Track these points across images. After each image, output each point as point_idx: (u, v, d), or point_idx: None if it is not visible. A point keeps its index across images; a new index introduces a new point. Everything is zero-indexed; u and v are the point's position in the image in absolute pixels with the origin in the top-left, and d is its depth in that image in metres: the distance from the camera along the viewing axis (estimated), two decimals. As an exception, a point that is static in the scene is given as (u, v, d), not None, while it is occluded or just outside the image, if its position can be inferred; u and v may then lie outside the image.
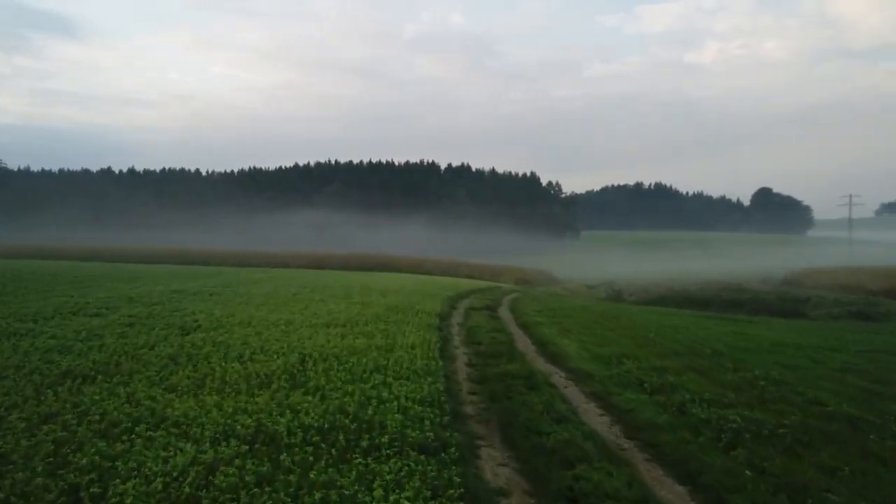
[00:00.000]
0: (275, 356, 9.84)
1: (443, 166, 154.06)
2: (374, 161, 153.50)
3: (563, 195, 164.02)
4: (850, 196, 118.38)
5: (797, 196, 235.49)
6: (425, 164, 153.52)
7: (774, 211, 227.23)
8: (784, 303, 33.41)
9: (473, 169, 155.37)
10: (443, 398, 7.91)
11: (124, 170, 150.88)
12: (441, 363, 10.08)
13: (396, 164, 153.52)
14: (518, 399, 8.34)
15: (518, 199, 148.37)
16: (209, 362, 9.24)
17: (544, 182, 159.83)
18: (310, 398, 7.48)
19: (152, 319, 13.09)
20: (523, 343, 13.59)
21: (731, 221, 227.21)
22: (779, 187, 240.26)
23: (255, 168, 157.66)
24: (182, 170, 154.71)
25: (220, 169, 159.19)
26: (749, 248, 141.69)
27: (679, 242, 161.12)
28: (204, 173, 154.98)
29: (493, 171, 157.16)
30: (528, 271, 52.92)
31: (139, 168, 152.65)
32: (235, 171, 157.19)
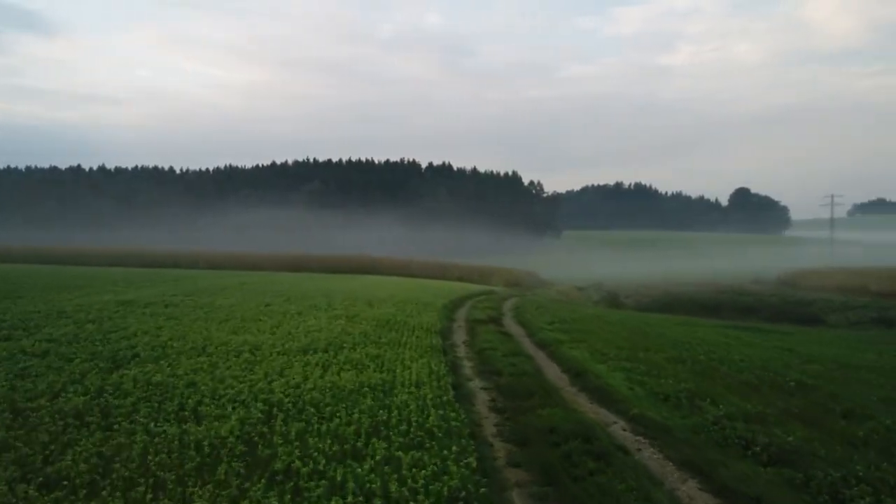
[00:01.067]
0: (230, 407, 7.00)
1: (424, 165, 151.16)
2: (353, 159, 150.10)
3: (544, 194, 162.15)
4: (832, 196, 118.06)
5: (774, 196, 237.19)
6: (406, 162, 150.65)
7: (752, 211, 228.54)
8: (791, 306, 31.30)
9: (455, 168, 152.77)
10: (481, 488, 5.15)
11: (94, 168, 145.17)
12: (461, 414, 7.29)
13: (377, 162, 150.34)
14: (589, 482, 5.61)
15: (500, 198, 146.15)
16: (130, 422, 6.36)
17: (526, 181, 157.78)
18: None
19: (77, 345, 10.10)
20: (552, 372, 10.88)
21: (710, 221, 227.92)
22: (756, 187, 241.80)
23: (230, 166, 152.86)
24: (155, 168, 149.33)
25: (194, 167, 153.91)
26: (730, 247, 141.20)
27: (660, 242, 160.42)
28: (178, 171, 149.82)
29: (474, 171, 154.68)
30: (517, 273, 50.31)
31: (110, 166, 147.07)
32: (210, 169, 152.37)
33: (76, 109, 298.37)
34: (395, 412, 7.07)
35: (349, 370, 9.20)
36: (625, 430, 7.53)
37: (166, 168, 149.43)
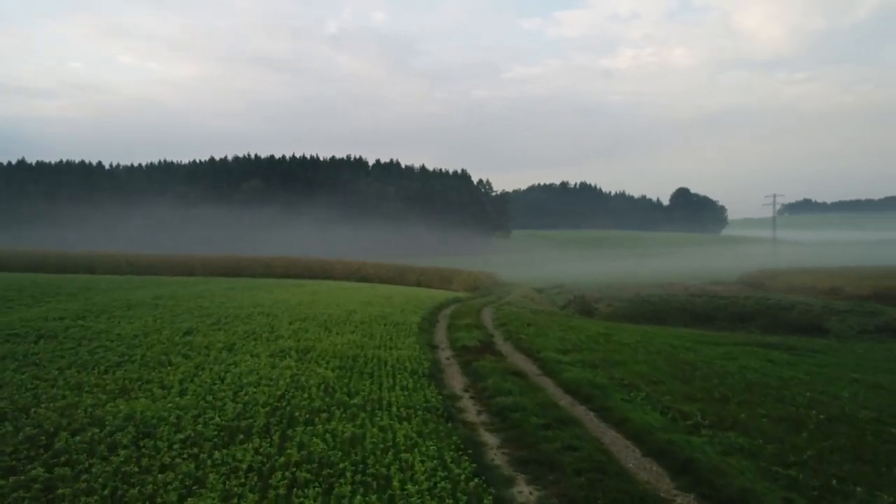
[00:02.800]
0: None
1: (371, 162, 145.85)
2: (297, 156, 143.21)
3: (493, 193, 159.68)
4: (774, 196, 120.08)
5: (712, 196, 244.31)
6: (353, 159, 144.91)
7: (692, 210, 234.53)
8: (787, 314, 28.84)
9: (403, 165, 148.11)
10: None
11: (13, 161, 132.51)
12: None
13: (322, 159, 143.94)
14: None
15: (449, 196, 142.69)
16: None
17: (475, 180, 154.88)
18: None
19: None
20: (628, 456, 7.01)
21: (653, 220, 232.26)
22: (695, 188, 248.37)
23: (165, 162, 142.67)
24: (81, 162, 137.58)
25: (126, 163, 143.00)
26: (678, 247, 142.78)
27: (608, 241, 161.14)
28: (107, 167, 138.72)
29: (423, 168, 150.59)
30: (477, 275, 46.64)
31: (31, 160, 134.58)
32: (143, 164, 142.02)
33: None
34: None
35: (308, 485, 5.16)
36: None
37: (94, 163, 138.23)
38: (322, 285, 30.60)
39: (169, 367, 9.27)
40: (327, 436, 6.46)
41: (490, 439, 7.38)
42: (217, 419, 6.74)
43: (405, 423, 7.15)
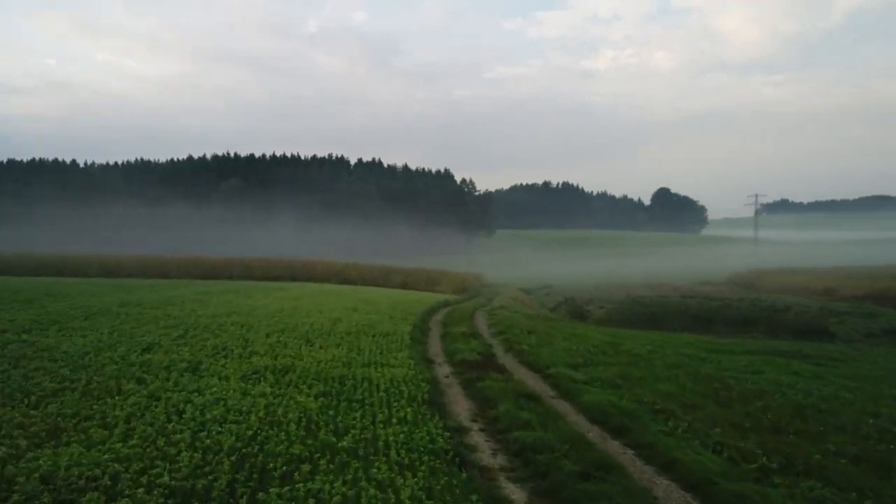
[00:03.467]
0: None
1: (353, 161, 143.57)
2: (278, 155, 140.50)
3: (476, 193, 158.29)
4: (756, 196, 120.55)
5: (693, 196, 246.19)
6: (334, 158, 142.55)
7: (673, 210, 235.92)
8: (785, 315, 27.81)
9: (385, 164, 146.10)
10: None
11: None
12: None
13: (303, 158, 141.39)
14: None
15: (432, 196, 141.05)
16: None
17: (458, 179, 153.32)
18: None
19: None
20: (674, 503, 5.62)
21: (635, 220, 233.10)
22: (676, 188, 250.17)
23: (142, 160, 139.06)
24: (55, 161, 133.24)
25: (101, 161, 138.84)
26: (659, 246, 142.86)
27: (591, 240, 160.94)
28: (82, 165, 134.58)
29: (405, 167, 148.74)
30: (464, 276, 45.18)
31: (2, 157, 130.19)
32: (119, 163, 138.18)
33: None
34: None
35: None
36: None
37: (68, 161, 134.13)
38: (304, 289, 28.91)
39: (117, 398, 7.65)
40: (311, 501, 4.94)
41: (515, 494, 5.89)
42: (166, 478, 5.17)
43: (409, 476, 5.66)
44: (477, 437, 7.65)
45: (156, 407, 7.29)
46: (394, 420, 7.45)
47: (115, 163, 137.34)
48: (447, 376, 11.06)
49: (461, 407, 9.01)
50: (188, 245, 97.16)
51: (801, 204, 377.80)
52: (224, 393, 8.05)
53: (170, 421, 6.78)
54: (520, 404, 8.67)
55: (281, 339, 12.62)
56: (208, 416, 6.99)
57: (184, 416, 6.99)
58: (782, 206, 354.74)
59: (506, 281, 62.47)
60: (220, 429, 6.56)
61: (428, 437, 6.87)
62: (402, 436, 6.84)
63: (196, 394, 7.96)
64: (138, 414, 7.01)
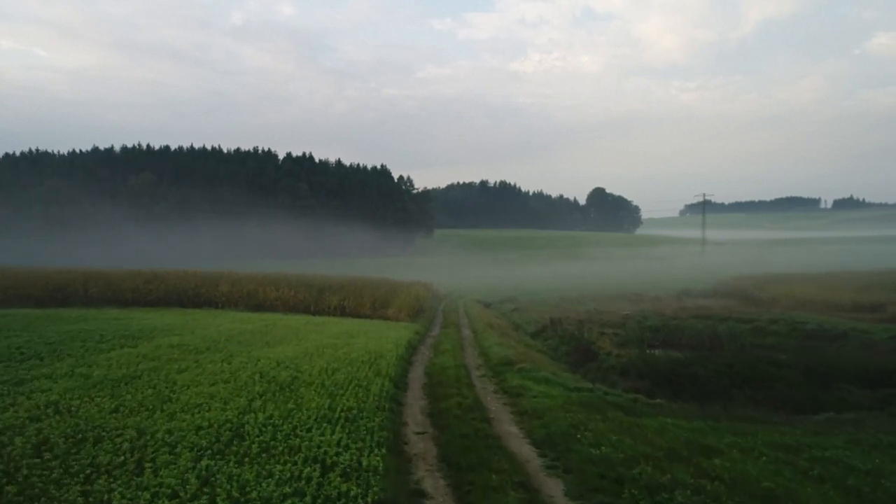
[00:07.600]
0: None
1: (281, 156, 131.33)
2: (196, 147, 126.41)
3: (415, 190, 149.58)
4: (704, 195, 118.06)
5: (627, 196, 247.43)
6: (260, 151, 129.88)
7: (609, 210, 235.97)
8: (809, 341, 20.69)
9: (316, 160, 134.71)
10: None
11: None
12: None
13: (225, 151, 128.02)
14: None
15: (368, 193, 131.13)
16: None
17: (395, 176, 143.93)
18: None
19: None
20: None
21: (572, 220, 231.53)
22: (610, 188, 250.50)
23: (37, 151, 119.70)
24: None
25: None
26: (605, 247, 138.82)
27: (533, 241, 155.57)
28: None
29: (339, 163, 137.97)
30: (418, 292, 36.49)
31: None
32: (13, 153, 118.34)
33: None
34: None
35: None
36: None
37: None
38: (192, 319, 19.34)
39: None
40: None
41: None
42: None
43: None
44: None
45: None
46: None
47: (6, 153, 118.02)
48: None
49: None
50: (89, 252, 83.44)
51: (722, 204, 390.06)
52: None
53: None
54: None
55: None
56: None
57: None
58: (705, 207, 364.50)
59: (458, 290, 54.33)
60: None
61: None
62: None
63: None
64: None
